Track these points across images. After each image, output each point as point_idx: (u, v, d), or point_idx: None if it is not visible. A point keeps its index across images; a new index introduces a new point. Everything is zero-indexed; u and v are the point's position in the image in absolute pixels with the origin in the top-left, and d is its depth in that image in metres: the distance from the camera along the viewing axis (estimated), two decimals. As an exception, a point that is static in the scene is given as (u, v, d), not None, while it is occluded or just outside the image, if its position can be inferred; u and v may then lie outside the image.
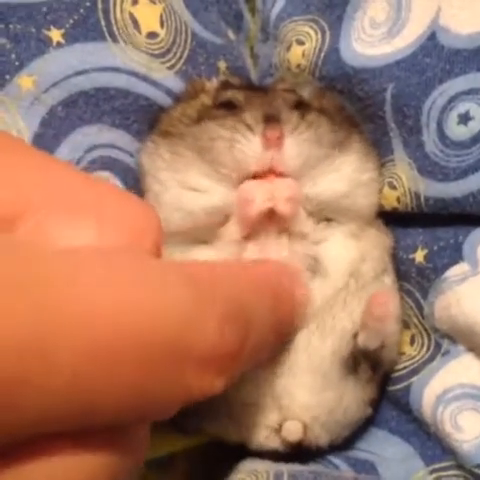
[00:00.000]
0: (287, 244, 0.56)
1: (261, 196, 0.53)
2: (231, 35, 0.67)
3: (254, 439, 0.58)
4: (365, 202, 0.59)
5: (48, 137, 0.54)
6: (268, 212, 0.53)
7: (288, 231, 0.55)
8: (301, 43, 0.61)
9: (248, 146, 0.53)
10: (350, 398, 0.58)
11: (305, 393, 0.57)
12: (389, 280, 0.60)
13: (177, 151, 0.56)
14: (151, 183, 0.58)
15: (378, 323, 0.54)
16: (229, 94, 0.58)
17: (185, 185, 0.56)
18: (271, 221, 0.54)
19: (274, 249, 0.55)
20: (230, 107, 0.56)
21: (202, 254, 0.56)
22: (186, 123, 0.57)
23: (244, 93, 0.57)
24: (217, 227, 0.56)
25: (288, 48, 0.62)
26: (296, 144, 0.53)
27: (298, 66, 0.62)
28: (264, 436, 0.58)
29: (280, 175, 0.53)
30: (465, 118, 0.54)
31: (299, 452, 0.59)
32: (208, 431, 0.60)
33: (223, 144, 0.54)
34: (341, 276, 0.57)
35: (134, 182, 0.59)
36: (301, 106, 0.57)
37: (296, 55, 0.61)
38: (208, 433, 0.60)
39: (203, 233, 0.56)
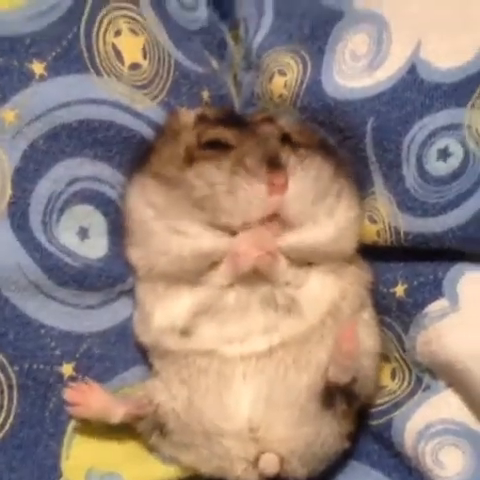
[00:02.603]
0: (266, 289, 0.57)
1: (254, 250, 0.55)
2: (214, 64, 0.67)
3: (232, 472, 0.58)
4: (349, 244, 0.59)
5: (29, 171, 0.54)
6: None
7: (268, 278, 0.56)
8: (283, 74, 0.61)
9: (253, 193, 0.54)
10: (327, 432, 0.58)
11: (282, 426, 0.57)
12: (367, 315, 0.61)
13: (170, 198, 0.56)
14: (138, 228, 0.58)
15: (347, 359, 0.54)
16: (216, 132, 0.58)
17: (174, 230, 0.56)
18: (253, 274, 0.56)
19: (253, 295, 0.56)
20: (218, 146, 0.56)
21: (184, 295, 0.57)
22: (177, 165, 0.57)
23: (230, 131, 0.57)
24: (202, 272, 0.57)
25: (270, 78, 0.62)
26: (298, 187, 0.55)
27: (280, 96, 0.61)
28: (241, 469, 0.58)
29: (282, 220, 0.55)
30: (444, 154, 0.55)
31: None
32: (185, 462, 0.60)
33: (223, 190, 0.54)
34: (318, 315, 0.57)
35: (116, 215, 0.59)
36: (286, 140, 0.57)
37: (278, 85, 0.61)
38: (184, 464, 0.60)
39: (188, 276, 0.57)
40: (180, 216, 0.56)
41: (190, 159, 0.57)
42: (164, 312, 0.58)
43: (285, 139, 0.58)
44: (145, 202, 0.58)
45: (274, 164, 0.54)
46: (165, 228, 0.57)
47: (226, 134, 0.57)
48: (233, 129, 0.58)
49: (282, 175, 0.54)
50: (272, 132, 0.58)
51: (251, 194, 0.54)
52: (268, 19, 0.62)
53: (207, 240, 0.56)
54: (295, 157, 0.56)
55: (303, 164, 0.56)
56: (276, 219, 0.55)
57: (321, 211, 0.57)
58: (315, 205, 0.56)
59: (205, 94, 0.64)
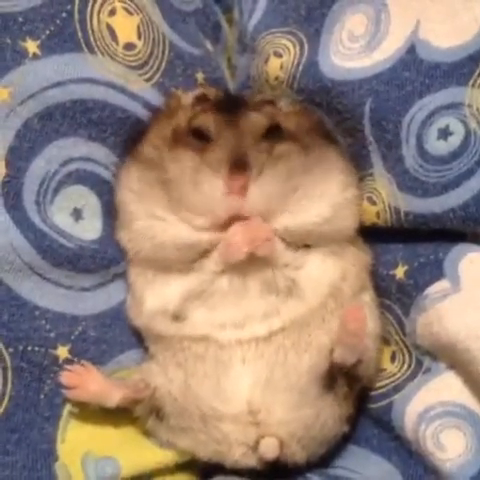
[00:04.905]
0: (266, 273, 0.56)
1: (245, 241, 0.54)
2: (209, 46, 0.66)
3: (230, 456, 0.58)
4: (347, 224, 0.59)
5: (23, 150, 0.54)
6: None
7: (266, 262, 0.56)
8: (279, 55, 0.60)
9: (211, 190, 0.54)
10: (327, 415, 0.58)
11: (282, 409, 0.56)
12: (368, 297, 0.60)
13: (145, 180, 0.57)
14: (122, 213, 0.59)
15: (353, 338, 0.54)
16: (200, 120, 0.57)
17: (154, 216, 0.56)
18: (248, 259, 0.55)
19: (251, 280, 0.56)
20: (201, 135, 0.57)
21: (174, 280, 0.57)
22: (159, 145, 0.57)
23: (215, 120, 0.57)
24: (193, 260, 0.56)
25: (266, 60, 0.61)
26: (260, 190, 0.54)
27: (276, 78, 0.61)
28: (240, 453, 0.57)
29: (247, 218, 0.54)
30: (445, 133, 0.54)
31: (278, 470, 0.59)
32: (182, 447, 0.59)
33: (188, 184, 0.54)
34: (319, 297, 0.57)
35: (110, 196, 0.59)
36: (273, 131, 0.57)
37: (274, 67, 0.60)
38: (181, 449, 0.59)
39: (174, 264, 0.57)
40: (154, 201, 0.57)
41: (174, 142, 0.57)
42: (155, 296, 0.58)
43: (273, 129, 0.57)
44: (126, 186, 0.58)
45: (237, 165, 0.54)
46: (145, 213, 0.57)
47: (210, 123, 0.57)
48: (223, 116, 0.57)
49: (241, 176, 0.54)
50: (257, 123, 0.57)
51: (209, 191, 0.54)
52: (263, 1, 0.61)
53: (186, 231, 0.56)
54: (267, 155, 0.55)
55: (275, 158, 0.55)
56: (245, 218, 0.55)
57: (306, 194, 0.57)
58: (289, 194, 0.56)
59: (200, 76, 0.63)
